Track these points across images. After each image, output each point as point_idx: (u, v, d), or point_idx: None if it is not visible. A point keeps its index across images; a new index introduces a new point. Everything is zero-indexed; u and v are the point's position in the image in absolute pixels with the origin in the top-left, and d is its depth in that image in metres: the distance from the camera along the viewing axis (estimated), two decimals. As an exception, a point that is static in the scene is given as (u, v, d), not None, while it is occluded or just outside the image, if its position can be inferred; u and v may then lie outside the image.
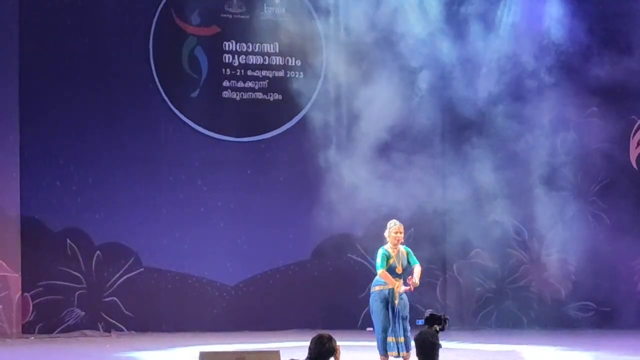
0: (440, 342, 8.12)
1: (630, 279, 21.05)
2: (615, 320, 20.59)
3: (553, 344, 17.48)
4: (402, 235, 13.18)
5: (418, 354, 7.86)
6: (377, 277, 13.20)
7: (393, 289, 13.00)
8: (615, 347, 16.99)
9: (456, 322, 19.90)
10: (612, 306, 20.79)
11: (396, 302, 13.04)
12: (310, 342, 7.54)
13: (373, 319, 13.21)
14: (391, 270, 13.04)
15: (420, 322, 9.56)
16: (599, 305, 20.91)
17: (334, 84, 19.98)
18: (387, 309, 13.04)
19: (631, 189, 21.11)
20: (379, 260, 13.09)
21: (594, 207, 21.21)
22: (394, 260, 13.09)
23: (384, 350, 13.10)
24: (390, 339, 13.01)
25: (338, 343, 7.59)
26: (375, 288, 13.18)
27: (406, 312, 13.08)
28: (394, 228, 13.21)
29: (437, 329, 9.25)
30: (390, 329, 13.02)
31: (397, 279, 13.08)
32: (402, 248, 13.22)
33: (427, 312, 9.60)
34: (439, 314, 9.42)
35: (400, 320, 13.05)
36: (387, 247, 13.17)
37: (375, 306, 13.15)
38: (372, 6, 19.65)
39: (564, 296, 20.92)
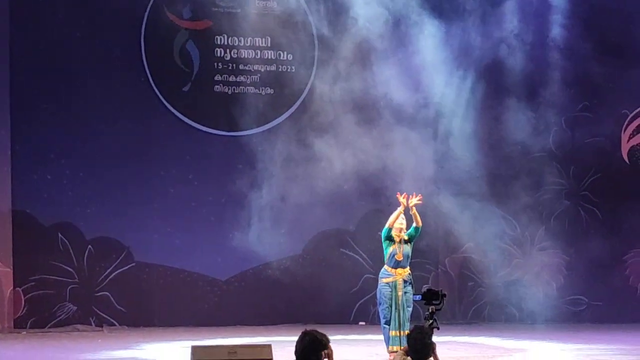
0: (434, 336, 8.08)
1: (622, 273, 21.09)
2: (607, 315, 20.62)
3: (545, 338, 17.49)
4: (405, 225, 13.39)
5: (410, 353, 7.73)
6: (382, 269, 13.40)
7: (397, 281, 13.16)
8: (606, 342, 17.01)
9: (448, 316, 19.93)
10: (604, 300, 20.84)
11: (399, 293, 13.13)
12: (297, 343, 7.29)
13: (379, 310, 13.37)
14: (391, 257, 13.20)
15: (417, 297, 9.58)
16: (591, 299, 20.94)
17: (326, 78, 19.91)
18: (391, 301, 13.14)
19: (623, 183, 21.15)
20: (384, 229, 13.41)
21: (586, 201, 21.24)
22: (395, 248, 13.24)
23: (388, 343, 13.20)
24: (393, 332, 13.09)
25: (330, 339, 7.37)
26: (381, 280, 13.35)
27: (410, 303, 13.17)
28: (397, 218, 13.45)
29: (434, 309, 9.24)
30: (394, 322, 13.08)
31: (398, 268, 13.22)
32: (404, 236, 13.42)
33: (424, 288, 9.62)
34: (436, 290, 9.42)
35: (404, 313, 13.12)
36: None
37: (380, 298, 13.28)
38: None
39: (556, 290, 20.94)
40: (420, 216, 13.63)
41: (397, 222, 13.43)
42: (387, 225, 13.41)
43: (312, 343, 7.01)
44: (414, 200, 13.42)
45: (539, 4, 20.87)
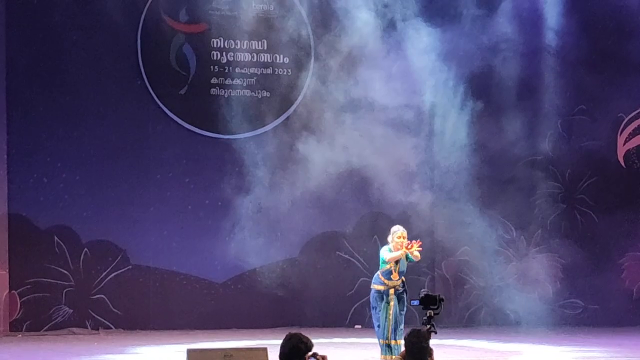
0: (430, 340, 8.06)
1: (618, 277, 21.09)
2: (603, 318, 20.62)
3: (541, 342, 17.49)
4: (406, 240, 13.13)
5: (407, 357, 7.70)
6: (375, 276, 13.25)
7: (388, 290, 13.05)
8: (603, 345, 17.01)
9: (444, 319, 19.89)
10: (600, 304, 20.83)
11: (391, 303, 13.05)
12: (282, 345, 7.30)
13: (372, 314, 13.30)
14: (386, 272, 13.08)
15: (415, 302, 9.53)
16: (587, 302, 20.94)
17: (322, 81, 19.92)
18: (381, 306, 13.09)
19: (619, 187, 21.17)
20: (383, 255, 13.09)
21: (582, 204, 21.24)
22: (391, 266, 13.08)
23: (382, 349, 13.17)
24: (382, 341, 13.01)
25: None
26: (373, 286, 13.25)
27: (404, 307, 13.10)
28: (397, 233, 13.17)
29: (432, 313, 9.22)
30: (384, 330, 13.00)
31: (391, 280, 13.12)
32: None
33: (422, 293, 9.57)
34: (434, 295, 9.38)
35: (395, 322, 13.04)
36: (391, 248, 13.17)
37: (373, 302, 13.21)
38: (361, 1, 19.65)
39: (552, 294, 20.94)
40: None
41: (398, 238, 13.21)
42: (386, 259, 13.17)
43: (294, 347, 7.04)
44: (415, 247, 13.16)
45: (534, 8, 20.88)
